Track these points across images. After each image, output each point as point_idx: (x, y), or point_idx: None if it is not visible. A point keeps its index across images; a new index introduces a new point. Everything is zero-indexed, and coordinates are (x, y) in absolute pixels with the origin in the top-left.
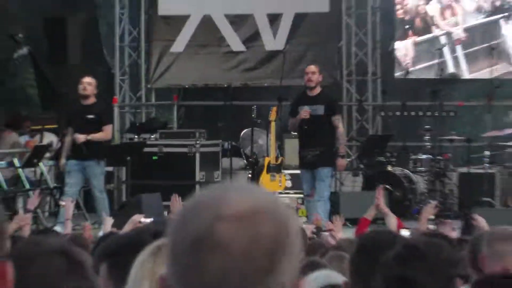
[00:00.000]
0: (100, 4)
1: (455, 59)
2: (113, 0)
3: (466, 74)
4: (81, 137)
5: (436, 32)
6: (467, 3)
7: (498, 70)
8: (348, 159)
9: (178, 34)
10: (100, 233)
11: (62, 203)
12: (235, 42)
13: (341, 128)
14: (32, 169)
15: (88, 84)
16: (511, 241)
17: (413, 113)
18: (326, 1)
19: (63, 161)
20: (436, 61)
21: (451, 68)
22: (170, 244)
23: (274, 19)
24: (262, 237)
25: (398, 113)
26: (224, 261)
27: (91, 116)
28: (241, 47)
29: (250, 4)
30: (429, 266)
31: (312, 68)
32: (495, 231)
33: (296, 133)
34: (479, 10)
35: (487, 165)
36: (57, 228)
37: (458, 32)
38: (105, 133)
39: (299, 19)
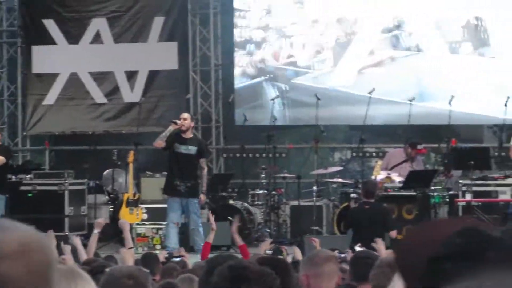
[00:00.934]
0: None
1: None
2: None
3: None
4: None
5: None
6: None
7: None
8: None
9: (49, 89)
10: None
11: None
12: (98, 95)
13: (206, 169)
14: None
15: None
16: (329, 262)
17: (250, 155)
18: (175, 60)
19: None
20: None
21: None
22: None
23: (131, 75)
24: (35, 264)
25: (238, 155)
26: None
27: None
28: (103, 100)
29: (110, 63)
30: (252, 280)
31: (185, 115)
32: (316, 253)
33: (151, 173)
34: (244, 74)
35: (315, 198)
36: None
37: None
38: None
39: (153, 75)
